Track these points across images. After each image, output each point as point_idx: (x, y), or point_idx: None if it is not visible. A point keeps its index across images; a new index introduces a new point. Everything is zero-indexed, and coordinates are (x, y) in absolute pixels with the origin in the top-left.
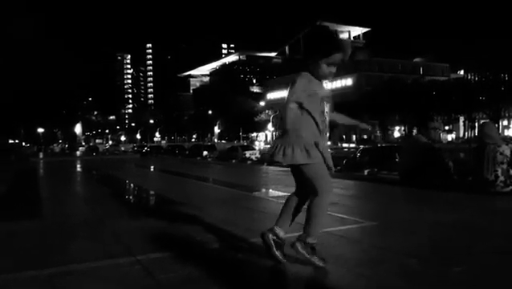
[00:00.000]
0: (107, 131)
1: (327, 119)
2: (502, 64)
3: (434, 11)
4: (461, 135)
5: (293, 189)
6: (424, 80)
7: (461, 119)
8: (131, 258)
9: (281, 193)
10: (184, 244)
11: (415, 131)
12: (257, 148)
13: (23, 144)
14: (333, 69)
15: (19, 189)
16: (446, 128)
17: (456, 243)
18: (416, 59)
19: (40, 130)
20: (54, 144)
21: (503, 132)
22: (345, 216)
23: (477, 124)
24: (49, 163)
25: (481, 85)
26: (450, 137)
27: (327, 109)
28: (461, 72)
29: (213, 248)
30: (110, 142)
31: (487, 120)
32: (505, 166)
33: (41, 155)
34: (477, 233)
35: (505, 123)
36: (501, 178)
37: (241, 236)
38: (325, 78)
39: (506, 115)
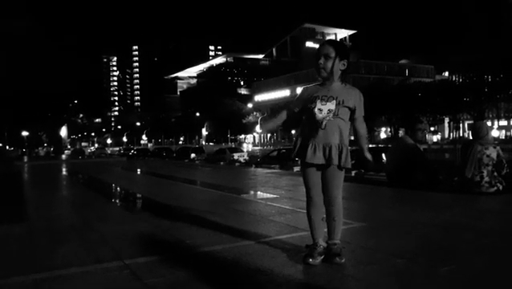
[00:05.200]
0: (93, 134)
1: (319, 116)
2: (486, 66)
3: (419, 14)
4: (446, 136)
5: (281, 191)
6: (409, 82)
7: (446, 120)
8: (119, 263)
9: (270, 195)
10: (172, 248)
11: (401, 132)
12: (245, 150)
13: (7, 147)
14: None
15: (4, 193)
16: (432, 129)
17: (443, 243)
18: (402, 61)
19: (24, 133)
20: (40, 148)
21: None
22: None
23: (461, 125)
24: (34, 167)
25: (466, 86)
26: (435, 138)
27: (320, 106)
28: (446, 74)
29: (202, 251)
30: (96, 145)
31: (483, 121)
32: (490, 168)
33: (25, 158)
34: (463, 232)
35: (489, 124)
36: (486, 179)
37: (231, 239)
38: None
39: (490, 116)
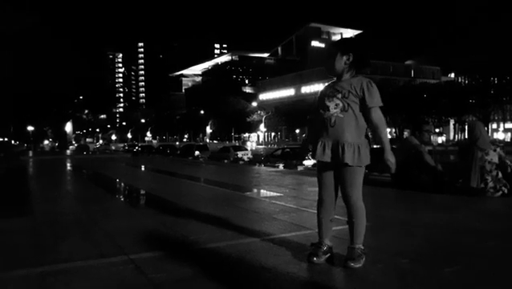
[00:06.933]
0: (97, 130)
1: (327, 113)
2: (492, 68)
3: (426, 14)
4: (452, 137)
5: (285, 190)
6: (415, 83)
7: (452, 121)
8: (123, 257)
9: (274, 194)
10: (177, 244)
11: (406, 133)
12: (249, 148)
13: (13, 142)
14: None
15: (10, 187)
16: (437, 130)
17: (447, 244)
18: (408, 62)
19: (30, 128)
20: (45, 142)
21: (492, 135)
22: (338, 216)
23: (466, 127)
24: (39, 162)
25: (471, 88)
26: (440, 140)
27: (327, 103)
28: (452, 75)
29: (206, 248)
30: (101, 141)
31: (478, 121)
32: (494, 173)
33: (30, 153)
34: (468, 234)
35: (495, 126)
36: (491, 184)
37: (235, 236)
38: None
39: (495, 118)
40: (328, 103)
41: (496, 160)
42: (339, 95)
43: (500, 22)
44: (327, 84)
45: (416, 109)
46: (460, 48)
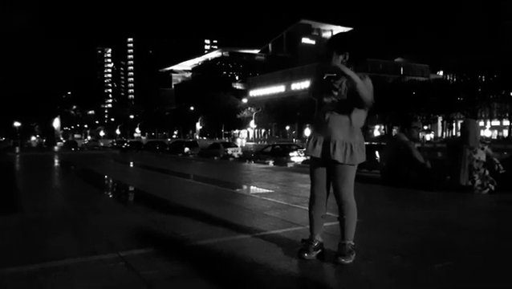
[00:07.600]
0: (86, 126)
1: (322, 110)
2: (479, 66)
3: (416, 12)
4: (440, 135)
5: (276, 186)
6: (404, 80)
7: (440, 119)
8: (114, 255)
9: (264, 190)
10: (168, 240)
11: (395, 130)
12: (239, 145)
13: None
14: None
15: None
16: (425, 127)
17: (437, 240)
18: (397, 59)
19: (17, 124)
20: (33, 138)
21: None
22: (328, 213)
23: (454, 124)
24: (27, 158)
25: (460, 86)
26: (429, 137)
27: (324, 100)
28: (441, 73)
29: (197, 245)
30: (89, 137)
31: (472, 119)
32: (481, 171)
33: (17, 149)
34: (457, 231)
35: (482, 123)
36: (478, 182)
37: (226, 233)
38: None
39: (483, 116)
40: (325, 100)
41: (484, 158)
42: (336, 93)
43: (497, 23)
44: (325, 77)
45: (405, 106)
46: (449, 46)
